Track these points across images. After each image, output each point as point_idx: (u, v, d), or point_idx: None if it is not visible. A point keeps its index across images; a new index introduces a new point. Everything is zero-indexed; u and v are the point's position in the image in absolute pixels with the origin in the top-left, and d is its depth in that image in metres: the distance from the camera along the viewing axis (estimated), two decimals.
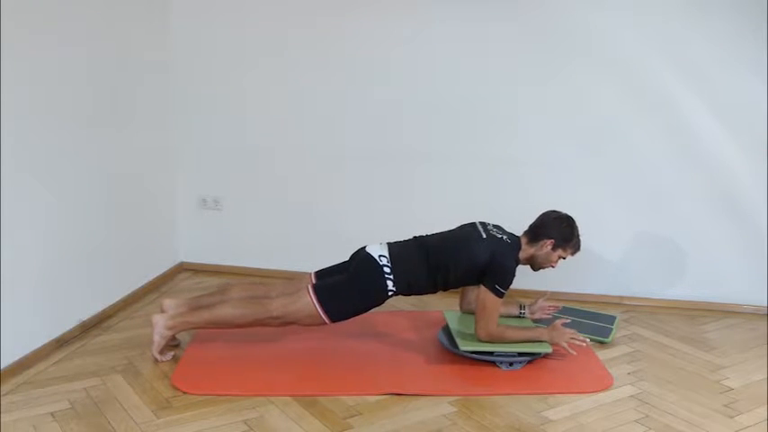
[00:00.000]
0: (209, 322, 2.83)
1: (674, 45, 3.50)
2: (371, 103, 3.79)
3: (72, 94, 3.00)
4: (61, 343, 2.98)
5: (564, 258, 3.00)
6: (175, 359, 2.88)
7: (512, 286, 2.88)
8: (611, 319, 3.46)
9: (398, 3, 3.66)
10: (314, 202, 3.95)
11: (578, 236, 2.98)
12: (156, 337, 2.83)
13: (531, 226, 3.01)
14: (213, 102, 3.91)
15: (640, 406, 2.65)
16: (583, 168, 3.70)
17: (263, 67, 3.84)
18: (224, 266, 4.09)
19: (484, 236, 2.92)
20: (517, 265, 2.92)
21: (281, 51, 3.80)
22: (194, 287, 3.82)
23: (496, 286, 2.81)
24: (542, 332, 2.94)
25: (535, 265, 3.00)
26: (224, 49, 3.84)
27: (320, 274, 3.03)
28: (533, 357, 2.92)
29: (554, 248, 2.95)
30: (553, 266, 3.01)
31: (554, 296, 3.43)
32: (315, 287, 2.84)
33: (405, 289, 2.89)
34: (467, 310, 3.18)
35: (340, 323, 2.88)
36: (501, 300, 2.84)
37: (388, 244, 2.96)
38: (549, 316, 3.21)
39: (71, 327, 3.06)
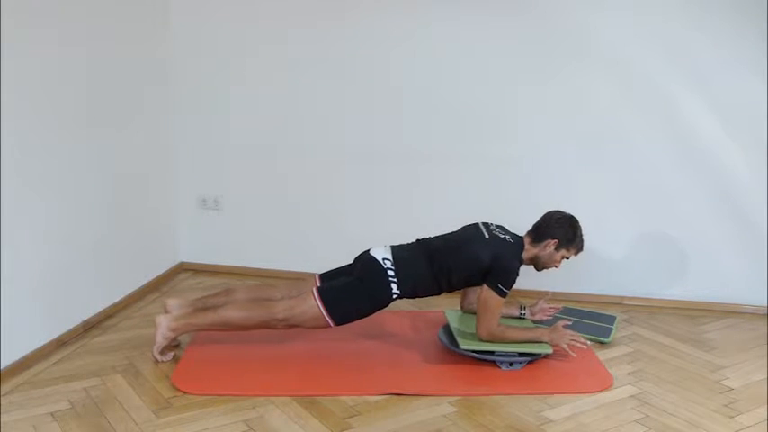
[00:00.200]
0: (213, 324, 2.83)
1: (674, 45, 3.50)
2: (371, 102, 3.79)
3: (72, 94, 3.00)
4: (61, 343, 2.98)
5: (567, 258, 3.00)
6: (175, 359, 2.88)
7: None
8: (611, 319, 3.46)
9: (398, 3, 3.66)
10: (314, 201, 3.95)
11: (581, 236, 2.98)
12: (159, 338, 2.82)
13: (534, 226, 3.01)
14: (213, 102, 3.91)
15: (640, 406, 2.65)
16: (583, 168, 3.70)
17: (263, 67, 3.84)
18: (224, 266, 4.09)
19: (487, 236, 2.92)
20: (521, 265, 2.92)
21: (281, 51, 3.80)
22: (194, 287, 3.82)
23: (499, 285, 2.81)
24: (543, 333, 2.94)
25: (539, 265, 3.01)
26: (224, 48, 3.84)
27: (324, 276, 3.03)
28: (534, 358, 2.92)
29: (557, 248, 2.95)
30: (556, 266, 3.01)
31: (554, 296, 3.43)
32: (319, 290, 2.83)
33: (409, 292, 2.89)
34: (468, 310, 3.18)
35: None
36: (503, 299, 2.84)
37: (392, 247, 2.96)
38: (550, 317, 3.21)
39: (71, 327, 3.06)
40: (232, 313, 2.81)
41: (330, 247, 3.87)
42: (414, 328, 3.32)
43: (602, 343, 3.22)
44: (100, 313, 3.28)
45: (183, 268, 4.11)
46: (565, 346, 2.88)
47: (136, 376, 2.74)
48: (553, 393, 2.72)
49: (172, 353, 2.90)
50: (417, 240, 3.03)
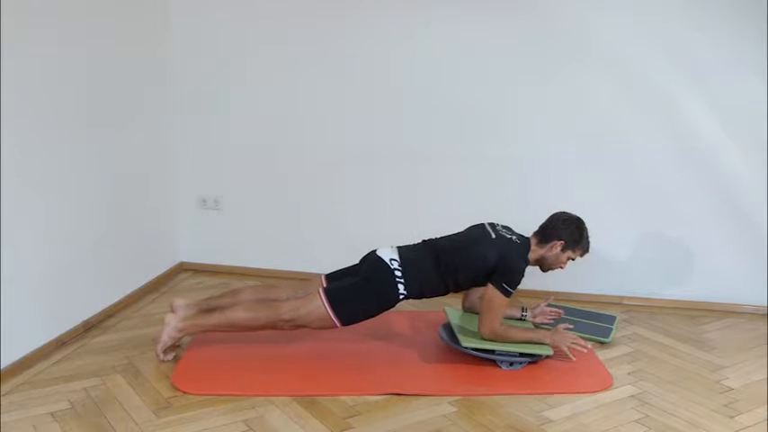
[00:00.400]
0: (220, 325, 2.83)
1: (674, 45, 3.50)
2: (371, 102, 3.79)
3: (72, 94, 3.00)
4: (61, 343, 2.98)
5: (573, 260, 3.01)
6: (176, 359, 2.88)
7: None
8: (611, 319, 3.46)
9: (398, 3, 3.66)
10: (314, 201, 3.95)
11: (588, 237, 2.99)
12: (165, 337, 2.82)
13: (540, 227, 3.02)
14: (213, 102, 3.91)
15: (640, 406, 2.65)
16: (583, 168, 3.70)
17: (263, 67, 3.84)
18: (224, 266, 4.09)
19: (493, 236, 2.93)
20: (527, 266, 2.92)
21: (281, 51, 3.80)
22: (194, 287, 3.82)
23: (504, 285, 2.81)
24: (545, 334, 2.95)
25: (544, 266, 3.01)
26: (224, 48, 3.84)
27: (330, 277, 3.03)
28: (534, 359, 2.92)
29: (563, 250, 2.95)
30: (562, 268, 3.02)
31: (554, 296, 3.42)
32: (326, 290, 2.83)
33: (416, 293, 2.89)
34: (468, 309, 3.18)
35: None
36: (508, 299, 2.85)
37: (398, 248, 2.96)
38: (551, 321, 3.21)
39: (71, 327, 3.06)
40: (238, 314, 2.81)
41: (330, 247, 3.88)
42: (414, 328, 3.32)
43: (602, 343, 3.22)
44: (100, 313, 3.27)
45: (182, 268, 4.11)
46: (565, 348, 2.89)
47: (136, 376, 2.74)
48: (553, 393, 2.72)
49: (173, 353, 2.89)
50: (423, 241, 3.03)
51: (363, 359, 2.95)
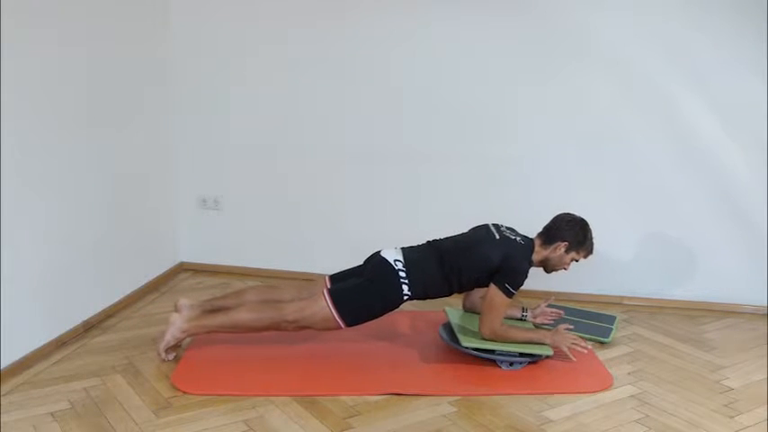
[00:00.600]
0: (223, 326, 2.83)
1: (674, 45, 3.50)
2: (371, 102, 3.79)
3: (72, 94, 3.00)
4: (61, 343, 2.97)
5: (576, 261, 3.01)
6: (176, 359, 2.88)
7: None
8: (611, 319, 3.46)
9: (398, 3, 3.66)
10: (314, 201, 3.95)
11: (592, 239, 2.99)
12: (169, 336, 2.82)
13: (544, 228, 3.02)
14: (213, 102, 3.91)
15: (640, 406, 2.65)
16: (583, 168, 3.70)
17: (262, 67, 3.84)
18: (224, 266, 4.09)
19: (497, 237, 2.93)
20: (530, 267, 2.92)
21: (281, 51, 3.80)
22: (194, 287, 3.82)
23: (507, 285, 2.81)
24: (545, 335, 2.95)
25: (548, 267, 3.01)
26: (224, 48, 3.84)
27: (334, 278, 3.02)
28: (534, 359, 2.92)
29: (567, 251, 2.95)
30: (566, 269, 3.02)
31: (554, 296, 3.42)
32: (330, 291, 2.83)
33: (420, 293, 2.88)
34: (469, 309, 3.18)
35: None
36: (510, 300, 2.85)
37: (402, 249, 2.96)
38: (551, 322, 3.21)
39: (71, 327, 3.06)
40: (242, 315, 2.81)
41: (330, 247, 3.88)
42: (414, 328, 3.32)
43: (602, 343, 3.22)
44: (100, 313, 3.27)
45: (182, 268, 4.11)
46: (566, 349, 2.89)
47: (136, 376, 2.74)
48: (553, 393, 2.72)
49: (174, 353, 2.89)
50: (428, 242, 3.03)
51: (363, 359, 2.95)
